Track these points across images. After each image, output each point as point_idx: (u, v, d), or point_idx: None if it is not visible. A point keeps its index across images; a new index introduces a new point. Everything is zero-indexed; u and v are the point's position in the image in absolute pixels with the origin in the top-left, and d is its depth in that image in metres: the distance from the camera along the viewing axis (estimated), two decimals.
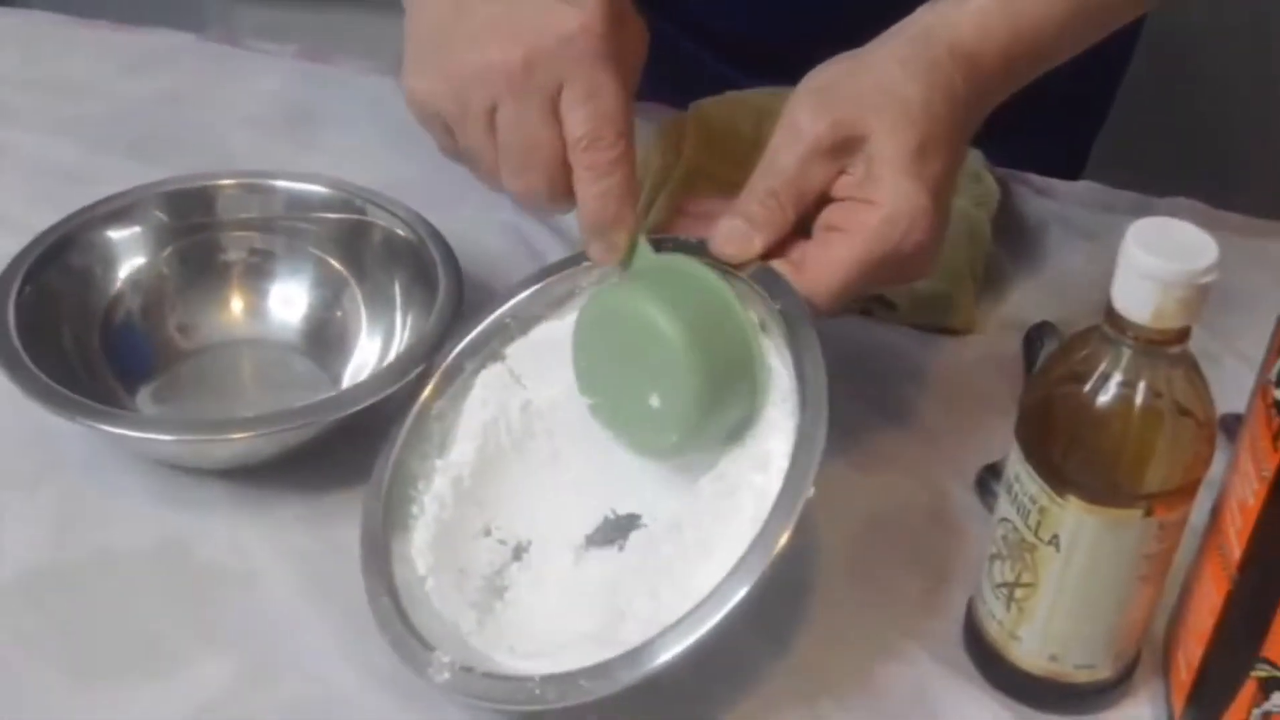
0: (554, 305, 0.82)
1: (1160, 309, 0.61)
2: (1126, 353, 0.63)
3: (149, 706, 0.72)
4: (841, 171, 0.75)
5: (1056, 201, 1.07)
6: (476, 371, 0.81)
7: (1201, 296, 0.61)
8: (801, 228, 0.76)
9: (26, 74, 1.16)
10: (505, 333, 0.81)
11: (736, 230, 0.75)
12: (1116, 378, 0.64)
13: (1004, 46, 0.78)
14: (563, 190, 0.76)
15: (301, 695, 0.73)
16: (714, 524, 0.70)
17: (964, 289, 0.95)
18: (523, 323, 0.81)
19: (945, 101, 0.75)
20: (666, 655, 0.65)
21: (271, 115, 1.13)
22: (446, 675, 0.68)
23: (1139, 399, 0.64)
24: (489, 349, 0.81)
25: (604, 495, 0.76)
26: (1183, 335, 0.63)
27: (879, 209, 0.73)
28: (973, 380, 0.92)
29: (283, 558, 0.79)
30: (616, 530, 0.76)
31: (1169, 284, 0.60)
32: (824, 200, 0.75)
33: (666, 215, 0.95)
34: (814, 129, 0.74)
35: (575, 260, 0.81)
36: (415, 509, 0.77)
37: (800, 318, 0.72)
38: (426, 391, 0.79)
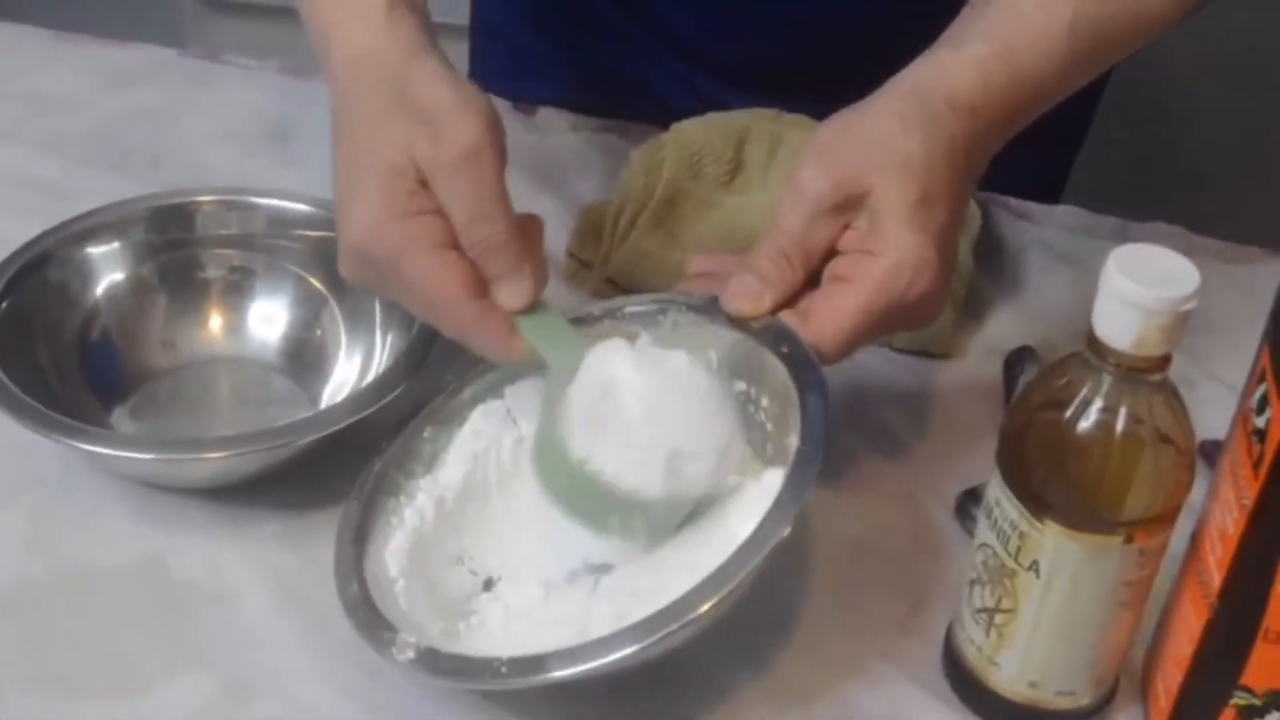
0: None
1: (1142, 337, 0.61)
2: (1107, 379, 0.63)
3: None
4: (846, 226, 0.76)
5: (1036, 225, 1.07)
6: (474, 404, 0.81)
7: (1183, 324, 0.61)
8: (810, 281, 0.77)
9: (6, 87, 1.15)
10: (508, 373, 0.80)
11: (748, 287, 0.76)
12: (1097, 404, 0.64)
13: (1004, 96, 0.78)
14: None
15: (278, 714, 0.72)
16: (688, 565, 0.69)
17: (946, 313, 0.95)
18: (525, 367, 0.79)
19: (946, 154, 0.76)
20: (635, 646, 0.65)
21: (251, 131, 1.12)
22: (411, 654, 0.68)
23: (1120, 425, 0.64)
24: (489, 383, 0.81)
25: (580, 544, 0.75)
26: (1164, 362, 0.63)
27: (883, 260, 0.74)
28: (953, 405, 0.92)
29: (260, 576, 0.79)
30: (589, 575, 0.75)
31: (1151, 312, 0.61)
32: (831, 254, 0.77)
33: (649, 237, 0.96)
34: (818, 188, 0.76)
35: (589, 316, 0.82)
36: (395, 519, 0.76)
37: (806, 360, 0.73)
38: (422, 414, 0.80)
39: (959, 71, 0.78)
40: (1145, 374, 0.63)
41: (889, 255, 0.74)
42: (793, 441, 0.71)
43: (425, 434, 0.79)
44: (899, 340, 0.95)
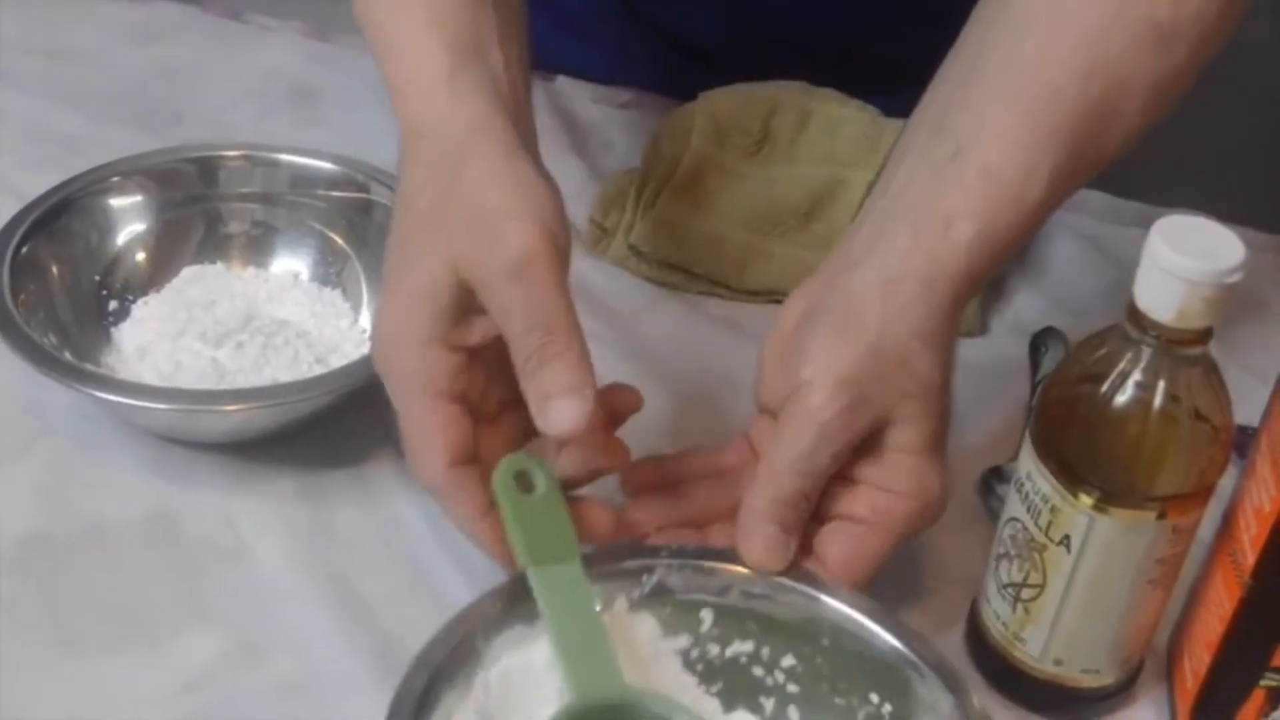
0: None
1: (1185, 308, 0.60)
2: (1147, 352, 0.62)
3: (135, 679, 0.71)
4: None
5: (1063, 210, 1.06)
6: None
7: (1227, 296, 0.60)
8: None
9: (28, 41, 1.14)
10: (474, 658, 0.65)
11: (776, 542, 0.69)
12: (1135, 377, 0.63)
13: (996, 261, 0.73)
14: None
15: (289, 671, 0.71)
16: None
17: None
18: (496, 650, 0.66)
19: (950, 361, 0.72)
20: None
21: (274, 91, 1.11)
22: None
23: (1157, 399, 0.63)
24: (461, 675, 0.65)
25: None
26: (1205, 336, 0.62)
27: (908, 502, 0.70)
28: (978, 383, 0.91)
29: (273, 533, 0.78)
30: None
31: (1195, 283, 0.60)
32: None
33: (674, 206, 0.95)
34: (841, 424, 0.69)
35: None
36: None
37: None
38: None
39: (953, 260, 0.71)
40: (1185, 348, 0.62)
41: (915, 498, 0.70)
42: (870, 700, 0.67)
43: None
44: None
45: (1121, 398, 0.63)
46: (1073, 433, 0.65)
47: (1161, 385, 0.63)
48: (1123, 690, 0.72)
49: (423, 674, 0.63)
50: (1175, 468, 0.64)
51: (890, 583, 0.77)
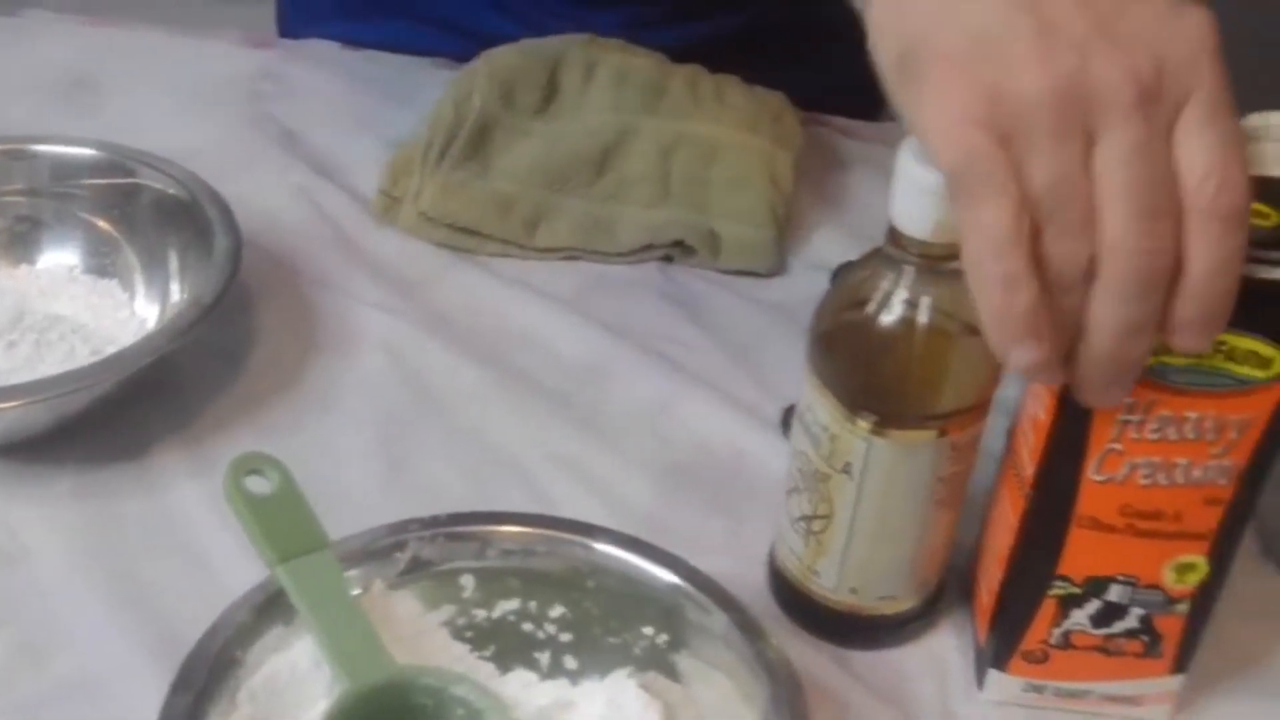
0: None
1: (940, 223, 0.60)
2: (909, 271, 0.62)
3: None
4: None
5: (860, 142, 1.06)
6: None
7: None
8: None
9: None
10: (235, 669, 0.63)
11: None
12: (900, 297, 0.62)
13: None
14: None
15: (75, 671, 0.69)
16: None
17: (768, 231, 0.94)
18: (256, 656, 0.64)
19: None
20: None
21: (53, 83, 1.08)
22: None
23: (923, 318, 0.62)
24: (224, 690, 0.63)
25: None
26: None
27: None
28: (778, 322, 0.91)
29: (54, 533, 0.75)
30: None
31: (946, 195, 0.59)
32: None
33: (461, 168, 0.93)
34: None
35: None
36: None
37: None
38: None
39: None
40: (946, 263, 0.61)
41: None
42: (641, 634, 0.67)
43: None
44: (721, 260, 0.93)
45: (888, 318, 0.63)
46: (844, 359, 0.65)
47: (926, 302, 0.62)
48: (924, 614, 0.72)
49: (183, 698, 0.60)
50: (949, 384, 0.64)
51: (691, 525, 0.77)
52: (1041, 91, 0.50)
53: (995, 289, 0.52)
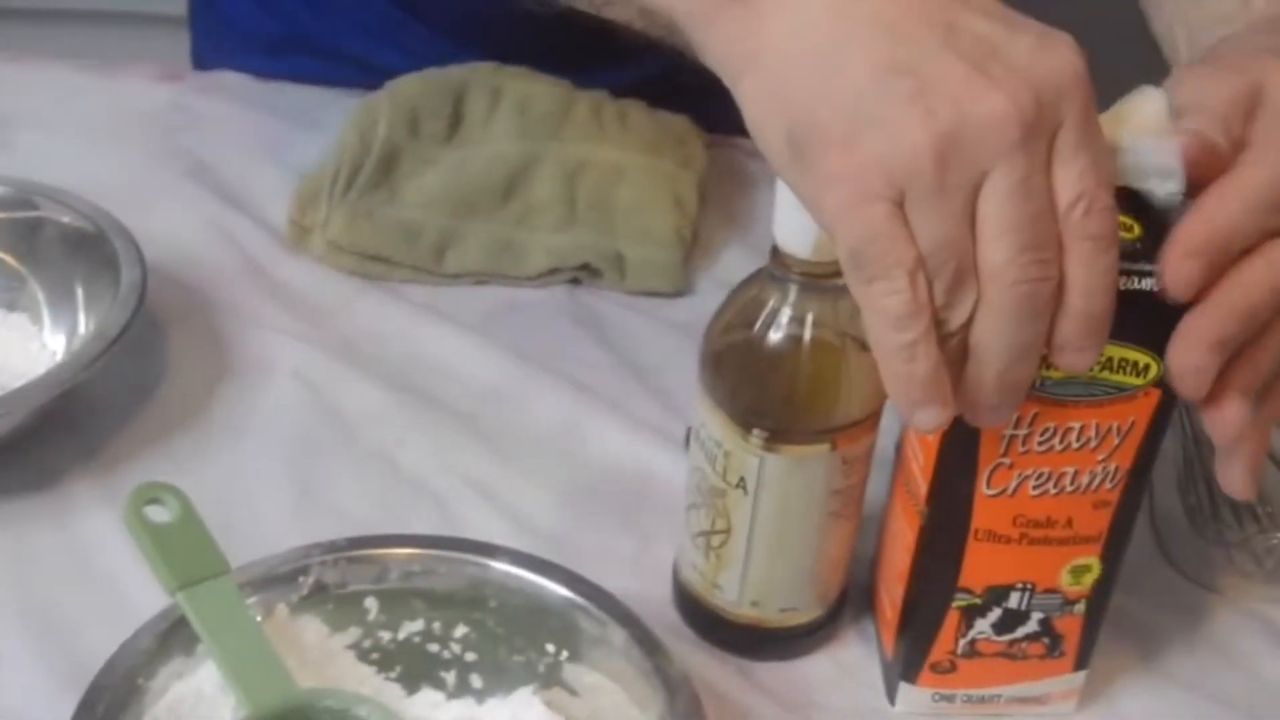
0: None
1: (821, 242, 0.61)
2: (793, 289, 0.63)
3: None
4: None
5: (765, 163, 1.07)
6: None
7: None
8: None
9: None
10: (138, 699, 0.63)
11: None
12: (785, 314, 0.64)
13: None
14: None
15: None
16: None
17: (673, 252, 0.95)
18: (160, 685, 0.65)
19: None
20: None
21: None
22: None
23: (809, 334, 0.64)
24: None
25: None
26: None
27: None
28: (686, 341, 0.91)
29: None
30: None
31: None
32: None
33: (368, 197, 0.94)
34: None
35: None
36: None
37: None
38: None
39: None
40: (828, 280, 0.63)
41: None
42: (545, 652, 0.67)
43: None
44: (628, 282, 0.94)
45: (775, 336, 0.64)
46: (734, 377, 0.66)
47: (811, 319, 0.64)
48: (825, 625, 0.73)
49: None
50: (838, 398, 0.66)
51: (598, 546, 0.78)
52: (925, 154, 0.51)
53: (896, 360, 0.53)
